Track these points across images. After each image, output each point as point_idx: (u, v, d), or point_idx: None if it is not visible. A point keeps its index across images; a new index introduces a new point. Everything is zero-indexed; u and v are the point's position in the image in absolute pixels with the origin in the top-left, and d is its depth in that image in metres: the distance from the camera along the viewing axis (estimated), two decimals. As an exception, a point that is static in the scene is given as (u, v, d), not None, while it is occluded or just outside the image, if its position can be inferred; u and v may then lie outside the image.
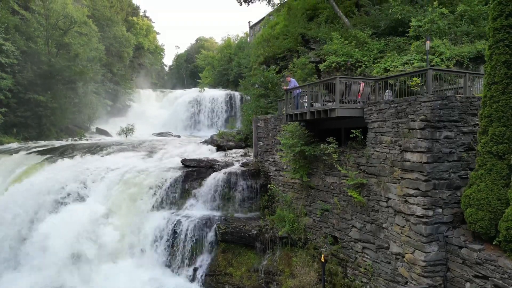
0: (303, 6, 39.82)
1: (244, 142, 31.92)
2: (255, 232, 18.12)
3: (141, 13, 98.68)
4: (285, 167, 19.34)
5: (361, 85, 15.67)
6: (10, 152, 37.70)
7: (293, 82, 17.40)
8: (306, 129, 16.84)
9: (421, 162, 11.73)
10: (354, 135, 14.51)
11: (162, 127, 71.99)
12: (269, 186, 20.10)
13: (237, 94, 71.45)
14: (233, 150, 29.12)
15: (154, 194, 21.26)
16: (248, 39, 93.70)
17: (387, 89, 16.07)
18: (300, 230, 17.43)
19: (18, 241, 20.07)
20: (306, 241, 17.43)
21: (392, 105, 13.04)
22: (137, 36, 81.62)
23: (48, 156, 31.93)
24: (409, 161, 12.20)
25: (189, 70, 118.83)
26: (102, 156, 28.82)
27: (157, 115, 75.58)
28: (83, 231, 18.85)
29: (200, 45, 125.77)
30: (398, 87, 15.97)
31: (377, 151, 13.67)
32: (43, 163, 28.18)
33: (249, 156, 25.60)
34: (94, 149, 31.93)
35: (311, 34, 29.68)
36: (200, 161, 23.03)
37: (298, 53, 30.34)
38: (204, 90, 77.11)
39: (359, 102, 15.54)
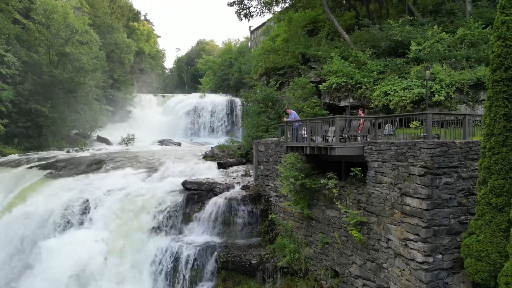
0: (304, 19, 39.88)
1: (245, 157, 31.97)
2: (255, 261, 18.18)
3: (142, 17, 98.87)
4: (285, 194, 19.41)
5: (361, 120, 15.71)
6: (11, 164, 37.89)
7: (293, 114, 17.47)
8: (306, 162, 16.89)
9: (421, 208, 11.79)
10: (354, 173, 14.56)
11: (163, 133, 71.98)
12: (270, 215, 20.14)
13: (237, 100, 71.46)
14: (234, 168, 29.15)
15: (154, 218, 21.31)
16: (249, 44, 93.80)
17: (387, 123, 16.08)
18: (300, 260, 17.51)
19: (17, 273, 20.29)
20: (306, 271, 17.50)
21: (392, 147, 13.09)
22: (138, 41, 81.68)
23: (48, 171, 32.06)
24: (409, 205, 12.26)
25: (190, 73, 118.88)
26: (103, 174, 28.91)
27: (158, 121, 75.61)
28: (82, 263, 18.94)
29: (201, 48, 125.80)
30: (398, 122, 15.97)
31: (377, 190, 13.74)
32: (43, 182, 28.25)
33: (250, 176, 25.64)
34: (94, 165, 32.02)
35: (312, 53, 29.69)
36: (200, 184, 23.09)
37: (298, 70, 30.40)
38: (204, 95, 77.19)
39: (359, 137, 15.59)
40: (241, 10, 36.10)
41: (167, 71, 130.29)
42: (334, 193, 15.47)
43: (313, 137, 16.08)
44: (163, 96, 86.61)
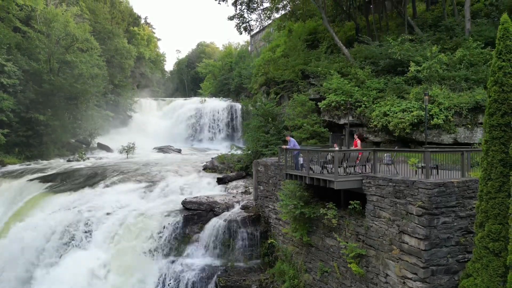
0: (303, 30, 39.91)
1: (245, 171, 32.09)
2: (255, 286, 18.31)
3: (142, 21, 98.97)
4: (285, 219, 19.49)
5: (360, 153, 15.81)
6: (11, 175, 38.03)
7: (292, 141, 17.56)
8: (306, 190, 16.98)
9: (419, 248, 11.90)
10: (353, 206, 14.65)
11: (163, 138, 72.06)
12: (270, 240, 20.24)
13: (238, 105, 71.54)
14: (234, 183, 29.24)
15: (154, 240, 21.40)
16: (249, 48, 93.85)
17: (386, 153, 16.17)
18: (300, 287, 17.60)
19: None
20: (306, 298, 17.61)
21: (390, 183, 13.18)
22: (138, 46, 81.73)
23: (48, 185, 32.21)
24: (407, 243, 12.36)
25: (191, 76, 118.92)
26: (103, 189, 29.03)
27: (158, 126, 75.63)
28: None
29: (201, 50, 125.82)
30: (396, 152, 16.07)
31: (376, 224, 13.83)
32: (42, 198, 28.34)
33: (249, 194, 25.71)
34: (93, 179, 32.15)
35: (311, 70, 29.74)
36: (200, 203, 23.17)
37: (298, 86, 30.47)
38: (205, 100, 77.26)
39: (358, 166, 15.67)
40: (241, 24, 36.22)
41: (167, 73, 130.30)
42: (333, 223, 15.57)
43: (312, 167, 16.16)
44: (164, 100, 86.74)
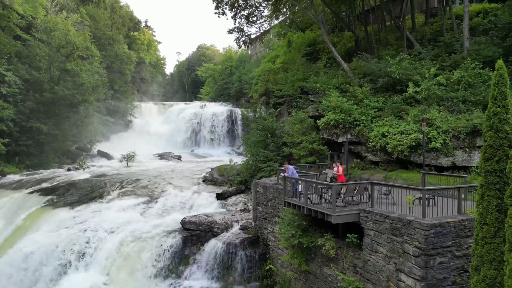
0: (303, 41, 39.97)
1: (244, 184, 32.21)
2: (254, 312, 18.44)
3: (143, 24, 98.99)
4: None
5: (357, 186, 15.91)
6: (11, 187, 38.19)
7: (290, 169, 17.63)
8: (304, 219, 17.05)
9: (415, 288, 11.98)
10: (350, 240, 14.73)
11: (163, 143, 72.27)
12: (269, 265, 20.34)
13: (238, 111, 71.62)
14: (233, 199, 29.38)
15: (154, 261, 21.51)
16: (249, 52, 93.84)
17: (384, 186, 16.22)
18: (298, 313, 17.71)
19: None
20: (304, 324, 17.70)
21: (387, 220, 13.26)
22: (138, 51, 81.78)
23: (48, 198, 32.37)
24: (404, 282, 12.45)
25: (191, 79, 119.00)
26: (103, 204, 29.17)
27: (158, 131, 75.77)
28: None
29: (202, 53, 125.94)
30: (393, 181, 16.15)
31: (373, 258, 13.92)
32: (41, 214, 28.47)
33: (248, 212, 25.79)
34: (92, 193, 32.28)
35: (310, 86, 29.79)
36: (199, 224, 23.27)
37: (297, 102, 30.54)
38: (205, 105, 77.28)
39: (355, 197, 15.76)
40: (240, 38, 36.29)
41: (168, 76, 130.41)
42: (331, 254, 15.66)
43: (309, 196, 16.23)
44: (164, 104, 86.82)
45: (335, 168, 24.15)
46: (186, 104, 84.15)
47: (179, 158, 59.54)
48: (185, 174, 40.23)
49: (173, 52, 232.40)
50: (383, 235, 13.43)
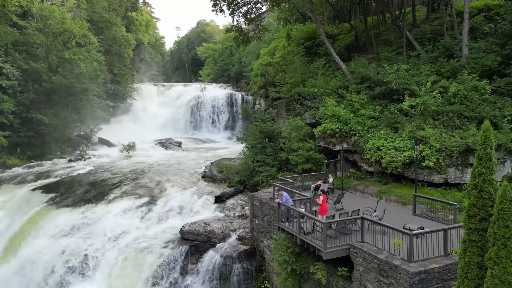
0: (302, 33, 39.58)
1: (242, 184, 32.73)
2: (250, 326, 19.29)
3: (141, 1, 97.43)
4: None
5: (349, 212, 16.31)
6: (14, 180, 38.94)
7: (284, 196, 18.00)
8: (297, 246, 17.55)
9: (399, 331, 12.59)
10: (341, 273, 15.28)
11: (164, 127, 72.54)
12: (263, 285, 21.06)
13: (238, 94, 71.48)
14: (232, 201, 29.93)
15: (153, 271, 22.25)
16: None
17: (374, 211, 16.64)
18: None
19: None
20: None
21: (375, 260, 13.75)
22: (136, 32, 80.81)
23: (50, 196, 33.02)
24: (389, 322, 13.06)
25: (191, 56, 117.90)
26: (103, 205, 29.83)
27: (158, 114, 75.73)
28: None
29: (202, 29, 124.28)
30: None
31: (362, 293, 14.51)
32: (42, 217, 29.12)
33: (246, 218, 26.37)
34: (94, 191, 32.90)
35: (307, 91, 29.75)
36: (198, 234, 23.93)
37: (295, 107, 30.61)
38: (205, 88, 77.01)
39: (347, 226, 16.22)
40: (239, 36, 35.79)
41: (167, 54, 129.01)
42: (323, 282, 16.27)
43: (302, 225, 16.70)
44: (163, 86, 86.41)
45: (330, 180, 24.70)
46: (185, 86, 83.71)
47: (179, 145, 59.78)
48: (184, 168, 40.77)
49: (172, 27, 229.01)
50: (371, 273, 13.96)
